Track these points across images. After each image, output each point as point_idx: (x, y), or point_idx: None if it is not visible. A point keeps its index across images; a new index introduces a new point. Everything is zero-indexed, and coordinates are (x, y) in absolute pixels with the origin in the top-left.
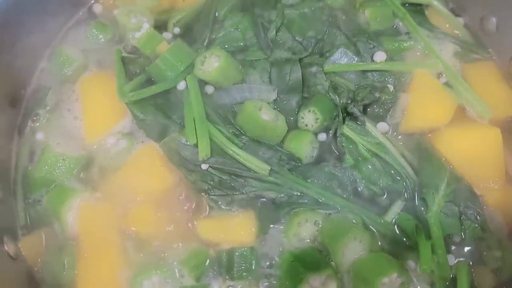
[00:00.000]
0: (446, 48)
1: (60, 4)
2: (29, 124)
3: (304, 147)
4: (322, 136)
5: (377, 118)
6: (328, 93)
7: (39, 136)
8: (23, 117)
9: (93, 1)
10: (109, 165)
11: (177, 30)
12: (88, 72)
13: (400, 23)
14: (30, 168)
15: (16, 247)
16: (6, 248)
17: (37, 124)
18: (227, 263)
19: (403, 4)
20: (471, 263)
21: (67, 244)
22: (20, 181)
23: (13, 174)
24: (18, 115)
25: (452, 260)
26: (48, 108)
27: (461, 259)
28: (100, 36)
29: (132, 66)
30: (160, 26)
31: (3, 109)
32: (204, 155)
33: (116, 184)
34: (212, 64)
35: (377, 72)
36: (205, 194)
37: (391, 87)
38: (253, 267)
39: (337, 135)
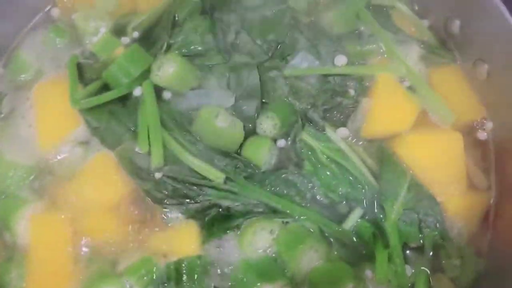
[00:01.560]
0: (411, 51)
1: (16, 8)
2: None
3: (262, 154)
4: (281, 143)
5: (338, 124)
6: (288, 98)
7: None
8: None
9: (51, 5)
10: (63, 174)
11: (136, 34)
12: (44, 78)
13: (363, 26)
14: None
15: None
16: None
17: None
18: (176, 274)
19: (367, 6)
20: (429, 272)
21: (16, 255)
22: None
23: None
24: None
25: (410, 268)
26: (2, 115)
27: (420, 267)
28: (57, 41)
29: (88, 72)
30: (119, 31)
31: None
32: (157, 163)
33: (69, 193)
34: (168, 69)
35: (338, 77)
36: (159, 203)
37: (352, 92)
38: (204, 278)
39: (296, 141)
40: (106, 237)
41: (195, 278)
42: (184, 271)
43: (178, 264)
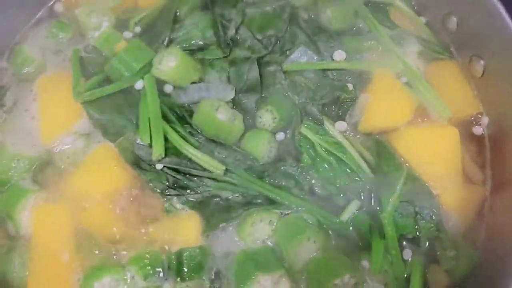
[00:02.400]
0: (409, 47)
1: (21, 3)
2: None
3: (262, 147)
4: (280, 136)
5: (336, 118)
6: (287, 92)
7: None
8: None
9: (54, 0)
10: (65, 165)
11: (138, 29)
12: (47, 72)
13: (362, 23)
14: None
15: None
16: None
17: None
18: (177, 264)
19: (366, 3)
20: (425, 263)
21: (19, 244)
22: None
23: None
24: None
25: (406, 260)
26: (5, 108)
27: (415, 259)
28: (60, 36)
29: (91, 66)
30: (122, 26)
31: None
32: (158, 154)
33: (71, 184)
34: (169, 63)
35: (337, 71)
36: (160, 194)
37: (350, 86)
38: (204, 268)
39: (295, 134)
40: (107, 227)
41: (196, 268)
42: (185, 261)
43: (179, 254)
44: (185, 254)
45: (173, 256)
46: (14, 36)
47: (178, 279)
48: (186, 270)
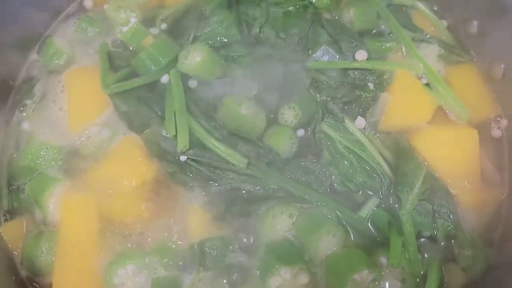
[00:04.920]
0: (430, 50)
1: None
2: (16, 114)
3: (283, 143)
4: (301, 132)
5: (357, 116)
6: (309, 90)
7: (25, 125)
8: (11, 107)
9: None
10: (91, 156)
11: (164, 26)
12: (75, 65)
13: (384, 24)
14: (15, 156)
15: None
16: None
17: (24, 114)
18: (200, 255)
19: (388, 5)
20: (442, 261)
21: (46, 230)
22: (5, 168)
23: None
24: (6, 105)
25: (423, 257)
26: (35, 99)
27: (433, 256)
28: (89, 30)
29: (118, 60)
30: (148, 22)
31: None
32: (182, 146)
33: (97, 174)
34: (195, 58)
35: (358, 71)
36: (183, 185)
37: (371, 86)
38: (225, 258)
39: (316, 131)
40: (132, 217)
41: (218, 258)
42: (207, 252)
43: (201, 245)
44: (207, 244)
45: (196, 247)
46: (45, 29)
47: (201, 268)
48: (208, 260)
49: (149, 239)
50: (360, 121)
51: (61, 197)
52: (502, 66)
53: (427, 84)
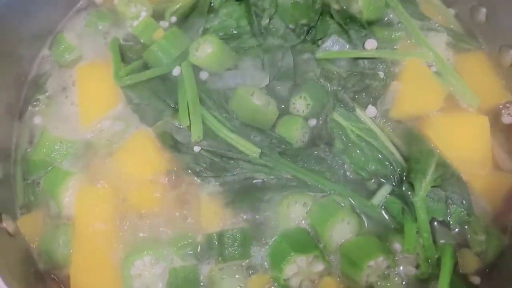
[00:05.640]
0: (438, 38)
1: None
2: (29, 109)
3: (295, 132)
4: (312, 122)
5: (367, 105)
6: (320, 80)
7: (38, 120)
8: (24, 102)
9: None
10: (105, 148)
11: (173, 19)
12: (86, 59)
13: (392, 13)
14: (29, 150)
15: (15, 225)
16: (5, 225)
17: (37, 109)
18: (219, 245)
19: None
20: (456, 246)
21: (63, 223)
22: (20, 163)
23: (13, 156)
24: (19, 100)
25: (437, 243)
26: (47, 94)
27: (447, 242)
28: (99, 24)
29: (129, 53)
30: (158, 15)
31: (6, 94)
32: (197, 137)
33: (111, 167)
34: (206, 50)
35: (368, 60)
36: (197, 176)
37: (381, 74)
38: (244, 248)
39: (327, 121)
40: (147, 209)
41: (237, 248)
42: (226, 242)
43: (220, 235)
44: (227, 235)
45: (215, 236)
46: (56, 25)
47: (220, 258)
48: (227, 251)
49: (165, 230)
50: (371, 110)
51: (76, 191)
52: (511, 52)
53: (437, 72)
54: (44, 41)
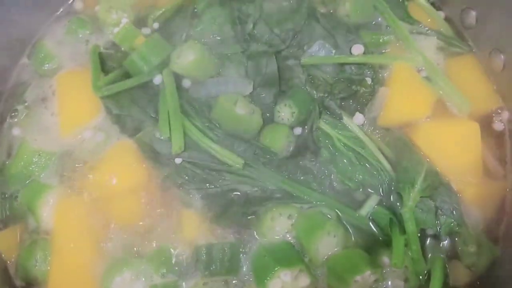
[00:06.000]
0: (428, 42)
1: (42, 1)
2: (7, 120)
3: (280, 141)
4: (298, 130)
5: (355, 112)
6: (305, 87)
7: (17, 131)
8: (2, 113)
9: None
10: (85, 160)
11: (156, 25)
12: (66, 68)
13: (381, 17)
14: (7, 163)
15: None
16: None
17: (15, 120)
18: (205, 259)
19: None
20: (446, 259)
21: (41, 238)
22: None
23: None
24: None
25: (426, 255)
26: (26, 104)
27: (436, 254)
28: (79, 32)
29: (109, 61)
30: (140, 22)
31: None
32: (177, 148)
33: (92, 179)
34: (188, 57)
35: (355, 65)
36: (179, 188)
37: (369, 80)
38: (230, 263)
39: (313, 129)
40: (128, 221)
41: (224, 263)
42: (213, 256)
43: (203, 249)
44: (210, 249)
45: (199, 250)
46: (35, 33)
47: (206, 273)
48: (214, 265)
49: (146, 244)
50: (359, 117)
51: (55, 204)
52: (502, 57)
53: (427, 77)
54: (23, 49)
